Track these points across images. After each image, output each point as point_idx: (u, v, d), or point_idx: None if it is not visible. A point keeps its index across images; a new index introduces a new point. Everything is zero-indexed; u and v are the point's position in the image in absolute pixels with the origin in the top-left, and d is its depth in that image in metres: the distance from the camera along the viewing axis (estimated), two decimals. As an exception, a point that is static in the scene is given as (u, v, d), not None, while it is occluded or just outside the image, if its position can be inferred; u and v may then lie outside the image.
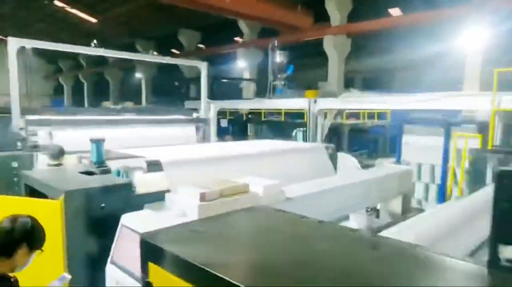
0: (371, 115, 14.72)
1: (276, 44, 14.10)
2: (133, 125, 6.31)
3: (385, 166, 5.59)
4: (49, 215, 2.61)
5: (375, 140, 13.46)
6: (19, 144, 5.33)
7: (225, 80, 17.43)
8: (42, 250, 2.08)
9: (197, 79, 22.28)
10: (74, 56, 31.39)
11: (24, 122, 5.20)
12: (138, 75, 26.19)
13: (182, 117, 7.09)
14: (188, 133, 7.10)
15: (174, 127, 6.88)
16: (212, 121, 7.26)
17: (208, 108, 7.36)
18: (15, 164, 4.93)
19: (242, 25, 19.31)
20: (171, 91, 23.03)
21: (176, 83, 21.55)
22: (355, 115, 14.92)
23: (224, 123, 14.58)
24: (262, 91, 14.95)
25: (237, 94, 15.37)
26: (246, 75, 19.73)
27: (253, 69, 19.73)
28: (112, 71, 30.57)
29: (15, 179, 4.48)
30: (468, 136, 7.44)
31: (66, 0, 21.41)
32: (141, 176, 3.07)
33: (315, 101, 8.45)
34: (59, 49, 6.39)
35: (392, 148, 12.03)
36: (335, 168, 4.80)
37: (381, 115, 14.47)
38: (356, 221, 4.14)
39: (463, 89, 13.28)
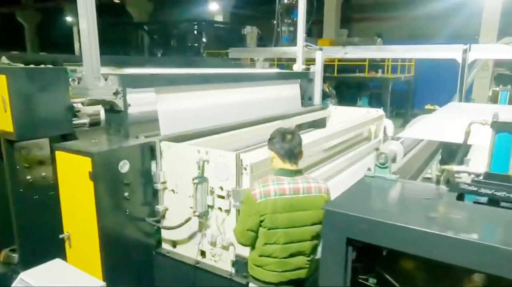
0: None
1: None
2: (239, 83, 3.92)
3: None
4: None
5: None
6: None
7: (219, 25, 14.43)
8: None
9: (154, 23, 18.69)
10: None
11: (117, 81, 2.59)
12: (69, 19, 21.25)
13: (282, 71, 4.79)
14: (293, 93, 4.86)
15: (277, 86, 4.59)
16: (318, 77, 5.11)
17: (301, 58, 5.13)
18: (125, 167, 2.43)
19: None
20: (116, 41, 19.00)
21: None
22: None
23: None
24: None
25: (240, 42, 12.76)
26: (219, 20, 16.85)
27: (226, 13, 16.91)
28: (26, 13, 24.53)
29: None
30: None
31: None
32: None
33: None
34: None
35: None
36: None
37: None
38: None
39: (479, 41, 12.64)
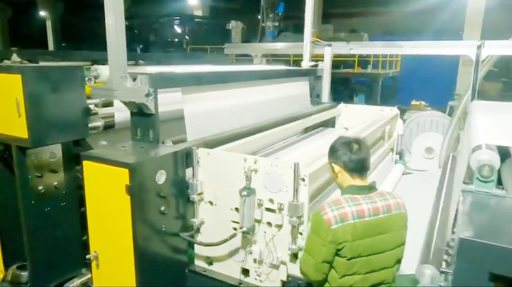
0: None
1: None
2: (256, 81, 3.70)
3: None
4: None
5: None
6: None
7: (201, 20, 13.94)
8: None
9: (133, 18, 17.92)
10: None
11: (148, 81, 2.32)
12: (42, 13, 20.15)
13: (293, 68, 4.61)
14: (303, 91, 4.68)
15: (289, 83, 4.40)
16: (326, 74, 4.94)
17: (308, 54, 4.94)
18: (162, 178, 2.18)
19: None
20: (90, 36, 18.16)
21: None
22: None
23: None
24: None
25: (224, 37, 12.32)
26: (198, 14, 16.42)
27: (205, 7, 16.48)
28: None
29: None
30: None
31: None
32: None
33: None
34: None
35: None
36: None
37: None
38: None
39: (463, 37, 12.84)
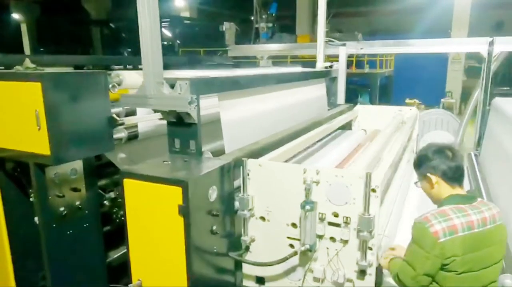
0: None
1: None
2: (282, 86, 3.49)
3: None
4: None
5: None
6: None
7: (189, 22, 13.58)
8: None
9: (119, 20, 17.41)
10: None
11: (189, 87, 2.08)
12: (16, 16, 19.41)
13: (311, 70, 4.43)
14: (321, 93, 4.50)
15: (310, 86, 4.21)
16: (342, 75, 4.77)
17: (322, 55, 4.77)
18: (213, 195, 1.95)
19: None
20: (69, 40, 17.61)
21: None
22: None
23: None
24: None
25: (217, 39, 12.01)
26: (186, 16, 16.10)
27: (193, 9, 16.19)
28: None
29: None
30: None
31: None
32: None
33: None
34: None
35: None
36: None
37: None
38: None
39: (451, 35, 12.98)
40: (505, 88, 13.43)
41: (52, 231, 2.37)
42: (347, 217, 1.95)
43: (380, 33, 16.38)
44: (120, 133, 2.58)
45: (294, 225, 2.08)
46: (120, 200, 2.74)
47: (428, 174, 1.73)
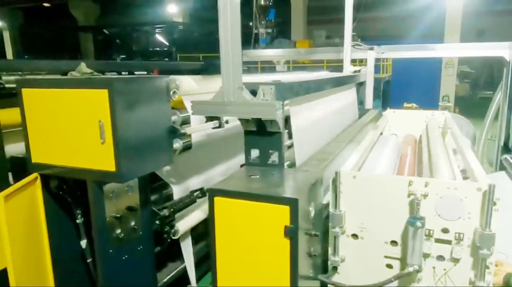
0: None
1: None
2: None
3: None
4: None
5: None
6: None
7: (185, 28, 13.26)
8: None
9: (112, 26, 16.95)
10: None
11: (274, 92, 1.86)
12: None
13: (346, 74, 4.28)
14: (353, 98, 4.34)
15: (346, 91, 4.05)
16: (370, 79, 4.63)
17: (349, 59, 4.63)
18: (312, 212, 1.74)
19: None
20: (54, 46, 17.09)
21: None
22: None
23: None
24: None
25: (213, 45, 11.77)
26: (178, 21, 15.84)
27: (185, 14, 15.95)
28: None
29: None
30: None
31: None
32: None
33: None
34: None
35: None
36: None
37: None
38: None
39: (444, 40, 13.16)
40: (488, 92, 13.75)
41: (109, 257, 2.10)
42: (459, 234, 1.76)
43: (375, 39, 16.50)
44: (175, 144, 2.34)
45: (394, 243, 1.88)
46: (172, 218, 2.49)
47: None
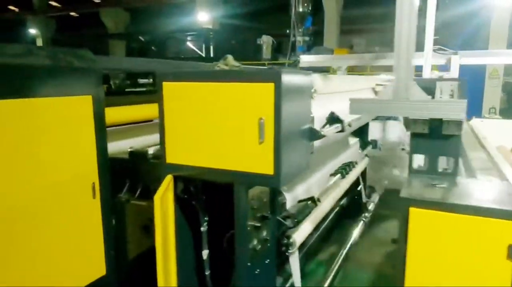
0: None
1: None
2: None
3: None
4: None
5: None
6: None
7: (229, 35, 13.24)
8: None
9: (149, 33, 17.08)
10: None
11: (457, 88, 1.63)
12: (33, 31, 19.10)
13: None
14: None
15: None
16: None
17: (430, 64, 4.36)
18: None
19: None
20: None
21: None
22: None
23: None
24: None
25: (255, 53, 11.65)
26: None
27: (216, 22, 15.96)
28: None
29: None
30: None
31: None
32: None
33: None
34: None
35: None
36: None
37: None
38: None
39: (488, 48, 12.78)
40: None
41: (245, 272, 1.87)
42: None
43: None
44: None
45: None
46: (293, 229, 2.26)
47: None
